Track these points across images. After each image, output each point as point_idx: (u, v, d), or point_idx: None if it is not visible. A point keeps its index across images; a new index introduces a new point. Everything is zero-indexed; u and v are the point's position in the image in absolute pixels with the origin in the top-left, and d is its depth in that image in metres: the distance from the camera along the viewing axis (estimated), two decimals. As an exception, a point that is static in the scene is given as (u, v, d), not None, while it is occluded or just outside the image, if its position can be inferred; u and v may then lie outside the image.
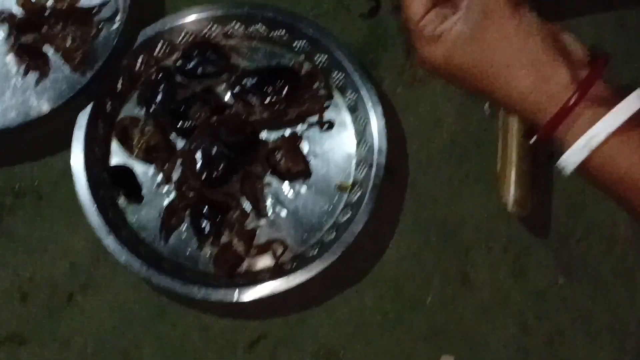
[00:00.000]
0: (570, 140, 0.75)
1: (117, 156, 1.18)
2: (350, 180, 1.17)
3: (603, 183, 0.76)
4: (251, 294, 1.09)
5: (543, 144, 0.78)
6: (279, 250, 1.14)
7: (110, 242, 1.10)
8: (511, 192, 1.13)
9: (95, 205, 1.12)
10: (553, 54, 0.75)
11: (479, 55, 0.77)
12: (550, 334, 1.16)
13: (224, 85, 1.20)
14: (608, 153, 0.74)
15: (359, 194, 1.14)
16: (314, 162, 1.18)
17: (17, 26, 1.18)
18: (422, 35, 0.80)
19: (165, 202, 1.16)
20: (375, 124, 1.15)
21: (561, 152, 0.77)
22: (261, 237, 1.16)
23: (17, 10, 1.19)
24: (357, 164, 1.18)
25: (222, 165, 1.14)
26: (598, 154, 0.74)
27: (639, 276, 1.17)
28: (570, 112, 0.74)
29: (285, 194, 1.18)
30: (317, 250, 1.13)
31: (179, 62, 1.20)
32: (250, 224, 1.16)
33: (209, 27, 1.21)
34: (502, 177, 1.15)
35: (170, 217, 1.15)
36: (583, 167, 0.76)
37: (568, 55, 0.76)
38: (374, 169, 1.14)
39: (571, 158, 0.76)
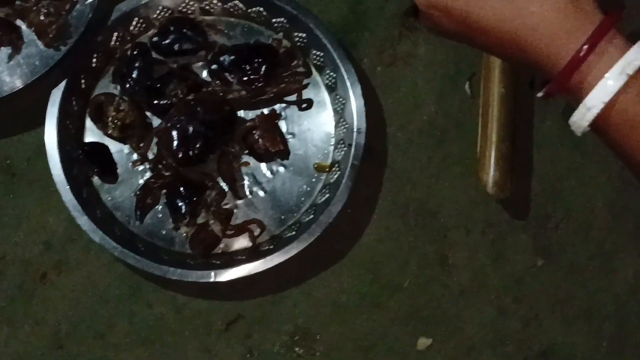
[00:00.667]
0: (598, 76, 0.71)
1: (92, 133, 1.16)
2: (329, 161, 1.16)
3: (624, 134, 0.72)
4: (228, 275, 1.08)
5: (552, 96, 0.75)
6: (256, 231, 1.13)
7: (84, 221, 1.09)
8: (491, 173, 1.13)
9: (69, 184, 1.10)
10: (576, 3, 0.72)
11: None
12: (528, 317, 1.16)
13: (201, 63, 1.18)
14: (623, 111, 0.70)
15: (337, 174, 1.13)
16: (292, 142, 1.17)
17: (-11, -1, 1.15)
18: None
19: (141, 181, 1.15)
20: (355, 103, 1.14)
21: (574, 106, 0.74)
22: (238, 218, 1.14)
23: (-10, -17, 1.17)
24: (336, 144, 1.17)
25: (199, 144, 1.12)
26: (613, 113, 0.71)
27: (616, 261, 1.17)
28: (576, 70, 0.71)
29: (263, 173, 1.16)
30: (294, 231, 1.12)
31: (155, 38, 1.18)
32: (227, 204, 1.14)
33: (185, 3, 1.18)
34: (482, 159, 1.14)
35: (145, 197, 1.13)
36: (604, 116, 0.72)
37: (589, 5, 0.72)
38: (352, 150, 1.12)
39: (601, 92, 0.71)
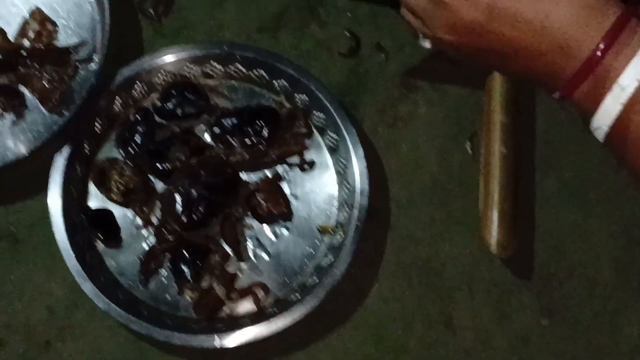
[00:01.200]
0: (629, 55, 0.70)
1: (95, 198, 1.16)
2: (332, 222, 1.16)
3: None
4: (232, 340, 1.07)
5: (568, 99, 0.74)
6: (260, 294, 1.13)
7: (88, 287, 1.08)
8: (494, 233, 1.12)
9: (73, 249, 1.10)
10: None
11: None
12: (534, 378, 1.15)
13: (203, 126, 1.19)
14: None
15: (340, 236, 1.13)
16: (295, 204, 1.17)
17: (-7, 67, 1.16)
18: None
19: (145, 245, 1.15)
20: (357, 165, 1.14)
21: (588, 114, 0.73)
22: (242, 281, 1.14)
23: (-7, 51, 1.18)
24: (339, 206, 1.17)
25: (202, 207, 1.13)
26: None
27: (621, 319, 1.16)
28: (604, 55, 0.71)
29: (267, 236, 1.16)
30: (299, 294, 1.11)
31: (158, 103, 1.19)
32: (231, 267, 1.14)
33: (187, 67, 1.19)
34: (484, 218, 1.14)
35: (149, 261, 1.13)
36: (622, 126, 0.71)
37: None
38: (355, 211, 1.13)
39: (608, 106, 0.70)
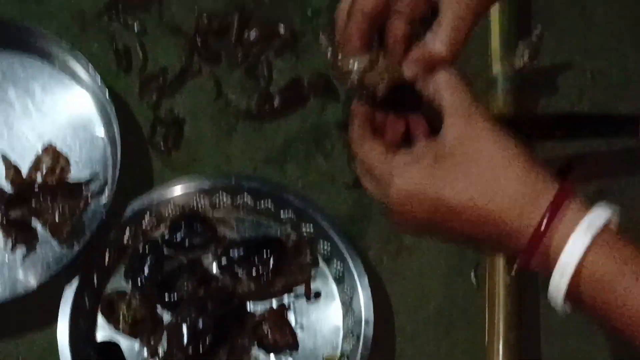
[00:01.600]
0: (564, 239, 0.72)
1: (103, 330, 1.17)
2: (338, 353, 1.17)
3: (597, 297, 0.72)
4: None
5: (525, 270, 0.75)
6: None
7: (94, 420, 1.09)
8: (500, 364, 1.13)
9: (80, 382, 1.11)
10: (534, 172, 0.74)
11: (468, 162, 0.74)
12: None
13: (210, 257, 1.21)
14: (593, 273, 0.71)
15: (346, 366, 1.14)
16: (301, 335, 1.18)
17: (6, 202, 1.19)
18: (391, 166, 0.78)
19: (151, 377, 1.15)
20: (362, 295, 1.15)
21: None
22: (248, 413, 1.14)
23: (6, 185, 1.21)
24: (344, 336, 1.17)
25: (208, 339, 1.14)
26: (584, 276, 0.72)
27: None
28: (545, 234, 0.72)
29: (273, 367, 1.17)
30: None
31: (166, 235, 1.21)
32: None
33: (196, 199, 1.22)
34: (489, 350, 1.14)
35: (156, 392, 1.14)
36: (575, 294, 0.73)
37: (547, 174, 0.75)
38: (361, 341, 1.13)
39: (557, 281, 0.73)
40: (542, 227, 0.72)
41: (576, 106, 1.28)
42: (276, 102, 1.29)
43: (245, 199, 1.22)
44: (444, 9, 0.78)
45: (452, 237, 0.79)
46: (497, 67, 1.24)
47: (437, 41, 0.77)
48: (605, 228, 0.72)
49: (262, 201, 1.22)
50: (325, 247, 1.20)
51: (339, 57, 0.80)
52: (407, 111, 0.83)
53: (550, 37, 1.27)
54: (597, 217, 0.72)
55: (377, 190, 0.81)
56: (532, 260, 0.74)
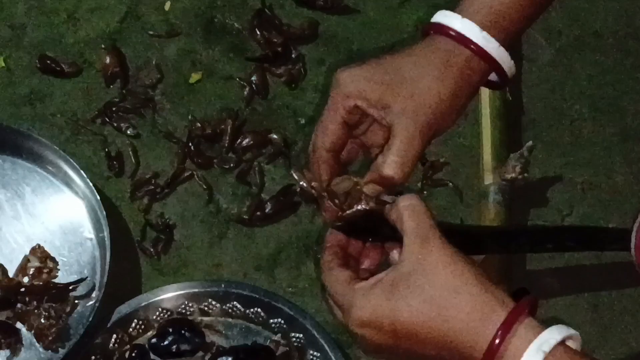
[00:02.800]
0: (516, 356, 0.73)
1: None
2: None
3: None
4: None
5: None
6: None
7: None
8: None
9: None
10: (492, 282, 0.75)
11: (426, 292, 0.75)
12: None
13: (198, 364, 1.19)
14: None
15: None
16: None
17: (-8, 305, 1.17)
18: (355, 293, 0.77)
19: None
20: (352, 406, 1.14)
21: None
22: None
23: (-7, 288, 1.19)
24: None
25: None
26: None
27: None
28: (497, 351, 0.73)
29: None
30: None
31: (154, 340, 1.19)
32: None
33: (185, 304, 1.21)
34: None
35: None
36: None
37: (500, 294, 0.76)
38: None
39: None
40: (495, 346, 0.73)
41: (567, 219, 1.29)
42: (267, 209, 1.29)
43: (234, 305, 1.21)
44: (393, 134, 0.82)
45: (418, 358, 0.80)
46: (488, 179, 1.25)
47: (386, 165, 0.82)
48: (559, 347, 0.73)
49: (252, 308, 1.21)
50: (315, 355, 1.18)
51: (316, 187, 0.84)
52: (385, 239, 0.85)
53: (541, 151, 1.29)
54: (550, 337, 0.73)
55: (341, 319, 0.82)
56: None
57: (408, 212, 0.78)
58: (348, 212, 0.83)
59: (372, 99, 0.82)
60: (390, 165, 0.81)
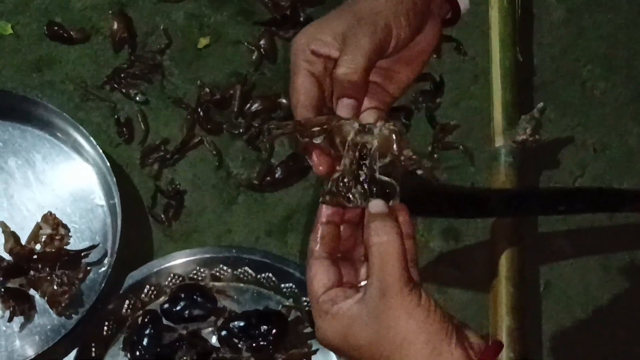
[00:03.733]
0: None
1: (100, 403, 1.15)
2: None
3: None
4: None
5: None
6: None
7: None
8: None
9: None
10: (449, 335, 0.74)
11: (374, 336, 0.75)
12: None
13: (210, 328, 1.19)
14: None
15: None
16: (302, 412, 1.16)
17: (4, 271, 1.17)
18: (321, 310, 0.77)
19: None
20: (364, 368, 1.14)
21: None
22: None
23: (5, 255, 1.19)
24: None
25: (208, 413, 1.12)
26: None
27: None
28: None
29: None
30: None
31: (166, 305, 1.19)
32: None
33: (196, 270, 1.21)
34: None
35: None
36: None
37: (464, 338, 0.74)
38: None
39: None
40: None
41: (579, 180, 1.29)
42: (278, 174, 1.29)
43: (246, 271, 1.21)
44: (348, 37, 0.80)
45: None
46: (499, 141, 1.25)
47: (337, 69, 0.79)
48: None
49: (263, 273, 1.21)
50: (327, 320, 1.18)
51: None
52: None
53: (552, 112, 1.29)
54: None
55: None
56: None
57: (378, 252, 0.75)
58: (345, 163, 0.76)
59: (325, 39, 0.79)
60: (340, 67, 0.79)
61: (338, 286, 0.77)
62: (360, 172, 0.76)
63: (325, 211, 0.77)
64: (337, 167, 0.76)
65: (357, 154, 0.76)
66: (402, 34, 0.82)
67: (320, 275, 0.78)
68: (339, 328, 0.76)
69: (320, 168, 0.77)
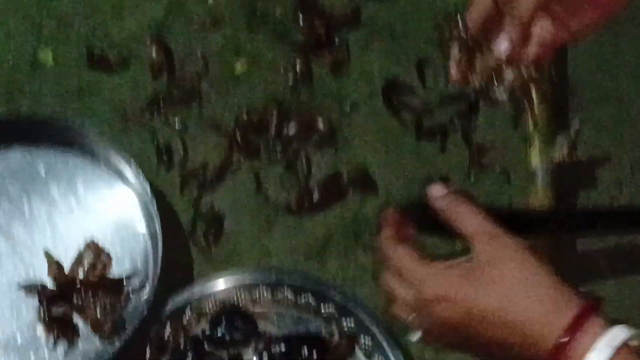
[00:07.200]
0: (585, 349, 0.75)
1: None
2: None
3: None
4: None
5: None
6: None
7: None
8: None
9: None
10: (559, 290, 0.78)
11: (493, 289, 0.79)
12: None
13: (251, 353, 1.20)
14: None
15: None
16: None
17: (48, 298, 1.19)
18: (433, 265, 0.82)
19: None
20: (404, 392, 1.15)
21: None
22: None
23: (49, 281, 1.21)
24: None
25: None
26: None
27: None
28: (567, 346, 0.75)
29: None
30: None
31: (207, 330, 1.21)
32: None
33: (236, 294, 1.22)
34: None
35: None
36: None
37: (570, 290, 0.78)
38: None
39: None
40: (565, 339, 0.76)
41: (616, 200, 1.28)
42: (315, 197, 1.30)
43: (285, 294, 1.22)
44: None
45: (479, 344, 0.82)
46: (536, 161, 1.25)
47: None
48: (625, 346, 0.75)
49: (303, 296, 1.22)
50: (367, 342, 1.19)
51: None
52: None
53: (588, 131, 1.28)
54: (618, 334, 0.75)
55: (408, 294, 0.84)
56: None
57: (471, 216, 0.82)
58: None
59: None
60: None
61: None
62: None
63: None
64: None
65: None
66: None
67: (407, 247, 0.85)
68: (461, 278, 0.80)
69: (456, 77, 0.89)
